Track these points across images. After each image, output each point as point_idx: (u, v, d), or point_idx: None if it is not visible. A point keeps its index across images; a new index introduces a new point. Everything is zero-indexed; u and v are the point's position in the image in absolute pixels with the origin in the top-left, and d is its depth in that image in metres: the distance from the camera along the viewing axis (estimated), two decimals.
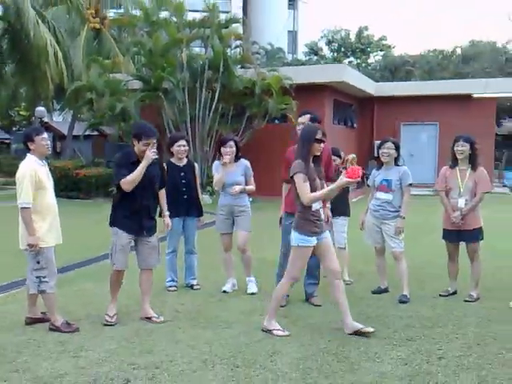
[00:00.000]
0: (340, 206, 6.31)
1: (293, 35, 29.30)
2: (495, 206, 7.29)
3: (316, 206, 4.43)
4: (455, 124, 17.04)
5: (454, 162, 5.58)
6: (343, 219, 6.35)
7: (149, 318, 4.86)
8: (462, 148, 5.47)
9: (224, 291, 5.78)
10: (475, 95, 18.42)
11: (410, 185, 5.63)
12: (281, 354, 4.06)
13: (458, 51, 28.56)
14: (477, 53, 27.28)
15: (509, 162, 20.90)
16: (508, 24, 31.12)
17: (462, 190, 5.47)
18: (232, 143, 5.78)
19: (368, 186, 6.05)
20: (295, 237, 4.45)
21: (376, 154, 5.83)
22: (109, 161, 17.44)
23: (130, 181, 4.63)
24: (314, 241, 4.42)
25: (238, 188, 5.69)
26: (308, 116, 5.39)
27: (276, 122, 15.77)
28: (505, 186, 18.51)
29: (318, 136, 4.39)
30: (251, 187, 5.89)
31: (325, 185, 4.56)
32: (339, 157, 6.35)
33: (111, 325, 4.69)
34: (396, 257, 5.63)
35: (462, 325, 4.70)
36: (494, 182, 18.10)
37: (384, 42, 31.63)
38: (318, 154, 4.46)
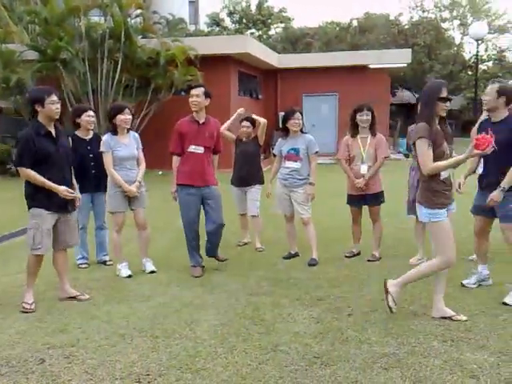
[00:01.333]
0: (256, 173, 6.48)
1: (194, 6, 28.77)
2: (392, 171, 7.76)
3: (445, 173, 3.92)
4: (353, 94, 17.72)
5: (355, 131, 5.82)
6: (258, 187, 6.52)
7: (73, 298, 4.71)
8: (367, 117, 5.74)
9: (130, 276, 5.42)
10: (371, 66, 19.24)
11: (317, 152, 5.84)
12: (199, 322, 4.14)
13: (355, 23, 29.58)
14: (372, 25, 28.40)
15: (402, 129, 22.14)
16: None
17: (364, 156, 5.75)
18: (128, 110, 5.46)
19: (274, 155, 6.18)
20: (425, 212, 3.97)
21: (281, 125, 5.95)
22: (4, 136, 16.35)
23: (31, 178, 4.38)
24: (444, 213, 3.92)
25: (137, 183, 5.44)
26: (202, 89, 5.42)
27: (182, 93, 15.57)
28: (399, 152, 19.65)
29: (443, 94, 3.86)
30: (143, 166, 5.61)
31: (453, 151, 4.04)
32: (253, 124, 6.50)
33: (31, 312, 4.44)
34: (305, 222, 5.86)
35: (367, 283, 5.02)
36: (389, 148, 19.15)
37: (284, 14, 32.08)
38: (444, 114, 3.94)
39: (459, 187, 4.90)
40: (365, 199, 5.85)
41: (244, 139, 6.61)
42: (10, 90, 13.95)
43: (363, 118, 5.73)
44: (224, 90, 15.76)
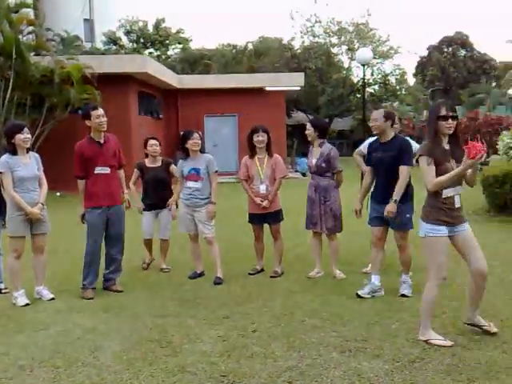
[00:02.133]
0: (168, 197, 6.43)
1: (89, 23, 28.09)
2: (290, 189, 8.09)
3: (448, 192, 3.91)
4: (252, 115, 18.24)
5: (253, 152, 6.03)
6: (169, 211, 6.51)
7: None
8: (263, 138, 5.96)
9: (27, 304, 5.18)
10: (267, 88, 19.93)
11: (216, 171, 5.97)
12: (103, 348, 4.05)
13: (250, 46, 30.44)
14: (266, 48, 29.38)
15: (298, 149, 22.98)
16: (291, 22, 33.99)
17: (262, 177, 5.96)
18: (27, 129, 5.24)
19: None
20: (422, 227, 3.98)
21: (181, 146, 6.02)
22: None
23: None
24: (444, 230, 3.91)
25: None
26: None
27: (79, 112, 15.09)
28: (297, 171, 20.39)
29: (442, 113, 3.89)
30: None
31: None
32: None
33: None
34: (209, 242, 5.95)
35: (270, 299, 5.18)
36: (288, 168, 19.85)
37: (182, 35, 32.25)
38: (448, 132, 3.92)
39: (359, 213, 5.36)
40: (265, 217, 6.05)
41: (152, 165, 6.52)
42: None
43: (259, 138, 5.94)
44: (123, 109, 15.56)
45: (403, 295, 5.10)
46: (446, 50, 45.39)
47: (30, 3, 13.72)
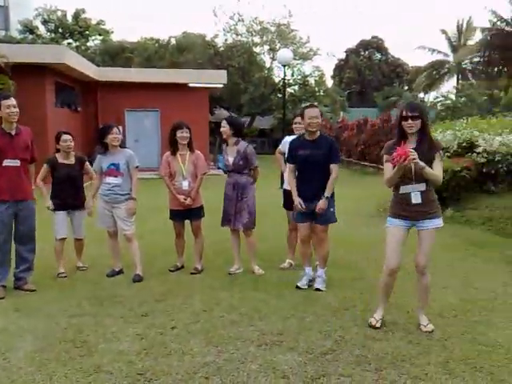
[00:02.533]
0: (81, 196, 6.20)
1: (3, 11, 26.61)
2: (212, 186, 8.12)
3: (404, 189, 4.16)
4: (175, 111, 18.08)
5: (175, 148, 5.99)
6: (83, 210, 6.24)
7: None
8: (186, 135, 5.94)
9: None
10: (191, 84, 19.81)
11: (137, 167, 5.91)
12: (14, 349, 3.92)
13: (173, 41, 30.08)
14: (190, 44, 29.16)
15: (221, 146, 23.00)
16: (214, 19, 33.82)
17: (184, 173, 5.96)
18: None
19: (95, 171, 6.05)
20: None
21: (100, 140, 5.88)
22: None
23: None
24: (397, 222, 4.21)
25: None
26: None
27: None
28: (219, 168, 20.45)
29: (403, 114, 4.13)
30: None
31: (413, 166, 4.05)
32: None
33: None
34: (128, 238, 5.87)
35: (189, 295, 5.20)
36: (210, 164, 19.86)
37: (102, 27, 31.33)
38: (410, 131, 4.11)
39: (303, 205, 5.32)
40: (187, 214, 6.06)
41: (64, 161, 6.13)
42: None
43: (183, 135, 5.93)
44: (39, 100, 14.94)
45: (318, 289, 5.30)
46: (362, 53, 47.36)
47: None
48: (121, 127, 18.13)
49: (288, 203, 5.99)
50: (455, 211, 9.14)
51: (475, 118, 13.31)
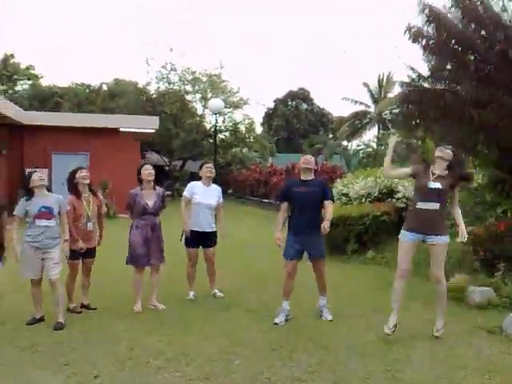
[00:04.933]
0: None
1: None
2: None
3: (420, 205, 5.16)
4: (105, 155, 18.06)
5: (76, 191, 6.16)
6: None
7: None
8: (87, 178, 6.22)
9: None
10: (122, 129, 19.79)
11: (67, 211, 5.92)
12: None
13: (104, 87, 30.09)
14: (121, 90, 29.26)
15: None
16: (146, 68, 34.05)
17: (89, 214, 6.16)
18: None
19: (15, 215, 5.70)
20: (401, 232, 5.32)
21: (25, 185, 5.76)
22: None
23: None
24: (409, 236, 5.19)
25: None
26: None
27: None
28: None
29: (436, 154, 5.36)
30: None
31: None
32: None
33: None
34: (54, 283, 5.65)
35: (114, 342, 5.06)
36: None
37: (32, 71, 30.89)
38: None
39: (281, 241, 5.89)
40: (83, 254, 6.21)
41: None
42: None
43: (84, 180, 6.20)
44: None
45: (327, 319, 5.88)
46: (290, 103, 49.42)
47: None
48: (47, 169, 17.66)
49: (191, 242, 6.74)
50: (376, 253, 9.59)
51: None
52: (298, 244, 5.82)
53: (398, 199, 10.50)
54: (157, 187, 6.48)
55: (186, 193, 6.89)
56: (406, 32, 7.90)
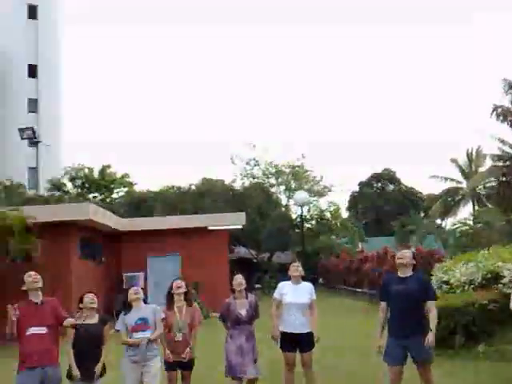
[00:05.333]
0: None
1: (34, 172, 28.62)
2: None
3: None
4: (194, 254, 18.70)
5: (169, 301, 6.31)
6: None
7: None
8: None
9: None
10: (210, 228, 20.40)
11: (163, 319, 6.06)
12: None
13: (193, 187, 31.61)
14: (209, 189, 30.57)
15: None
16: (232, 166, 35.18)
17: (180, 325, 6.16)
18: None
19: (118, 330, 5.99)
20: None
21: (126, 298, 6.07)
22: None
23: None
24: None
25: None
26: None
27: (18, 261, 14.79)
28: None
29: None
30: None
31: None
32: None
33: None
34: None
35: None
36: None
37: (127, 179, 33.27)
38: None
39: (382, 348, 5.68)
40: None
41: (88, 321, 5.76)
42: None
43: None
44: (64, 254, 15.49)
45: None
46: (375, 184, 48.71)
47: None
48: (142, 273, 18.30)
49: (286, 345, 6.46)
50: (488, 346, 8.87)
51: (496, 246, 13.31)
52: (400, 347, 5.51)
53: (504, 284, 9.82)
54: (249, 295, 6.51)
55: (275, 294, 6.77)
56: (493, 112, 7.81)
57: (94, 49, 74.66)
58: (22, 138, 26.19)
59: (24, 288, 5.54)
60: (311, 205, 31.75)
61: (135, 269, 19.24)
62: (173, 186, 31.96)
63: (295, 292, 6.61)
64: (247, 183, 31.84)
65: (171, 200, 29.35)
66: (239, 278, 6.49)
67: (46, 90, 40.18)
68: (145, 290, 6.32)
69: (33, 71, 40.33)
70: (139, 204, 29.46)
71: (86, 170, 31.72)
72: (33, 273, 5.57)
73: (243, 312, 6.34)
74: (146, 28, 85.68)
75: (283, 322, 6.52)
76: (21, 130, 25.83)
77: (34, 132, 25.72)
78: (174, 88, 79.92)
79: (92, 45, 72.72)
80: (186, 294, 6.38)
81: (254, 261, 30.87)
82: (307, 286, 6.77)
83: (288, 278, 6.80)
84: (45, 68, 40.56)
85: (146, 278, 19.32)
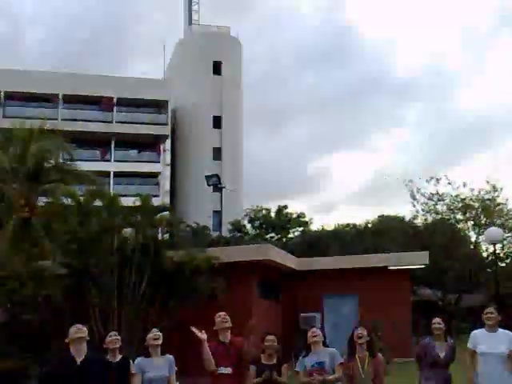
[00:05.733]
0: None
1: (218, 215, 30.95)
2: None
3: None
4: (373, 295, 18.07)
5: (350, 350, 6.01)
6: None
7: None
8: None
9: None
10: (390, 267, 19.65)
11: (341, 363, 5.83)
12: None
13: (370, 226, 30.93)
14: (387, 227, 29.65)
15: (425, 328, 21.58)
16: (412, 202, 33.05)
17: (363, 376, 5.84)
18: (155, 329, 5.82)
19: (297, 372, 5.95)
20: None
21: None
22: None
23: None
24: None
25: None
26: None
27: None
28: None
29: None
30: None
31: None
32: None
33: None
34: None
35: None
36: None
37: (302, 219, 34.06)
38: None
39: None
40: None
41: (265, 362, 5.88)
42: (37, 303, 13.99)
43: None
44: (246, 294, 16.15)
45: None
46: None
47: (170, 206, 15.49)
48: (319, 313, 18.14)
49: None
50: None
51: None
52: None
53: None
54: (448, 338, 6.23)
55: (469, 344, 6.16)
56: None
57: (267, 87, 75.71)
58: (209, 185, 28.33)
59: (215, 328, 5.76)
60: (505, 241, 28.81)
61: (310, 308, 19.24)
62: (348, 224, 31.75)
63: (490, 340, 5.90)
64: (430, 219, 30.02)
65: (346, 239, 29.12)
66: (437, 322, 6.24)
67: (228, 138, 43.74)
68: (322, 330, 6.24)
69: (217, 122, 44.10)
70: (314, 243, 29.76)
71: (264, 211, 33.25)
72: (222, 313, 5.80)
73: (442, 354, 6.09)
74: None
75: (480, 376, 5.87)
76: (207, 177, 28.00)
77: (219, 178, 27.71)
78: None
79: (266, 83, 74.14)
80: (368, 343, 6.04)
81: (440, 303, 28.80)
82: (506, 334, 6.00)
83: (481, 326, 6.16)
84: (228, 118, 44.21)
85: (322, 319, 19.26)
